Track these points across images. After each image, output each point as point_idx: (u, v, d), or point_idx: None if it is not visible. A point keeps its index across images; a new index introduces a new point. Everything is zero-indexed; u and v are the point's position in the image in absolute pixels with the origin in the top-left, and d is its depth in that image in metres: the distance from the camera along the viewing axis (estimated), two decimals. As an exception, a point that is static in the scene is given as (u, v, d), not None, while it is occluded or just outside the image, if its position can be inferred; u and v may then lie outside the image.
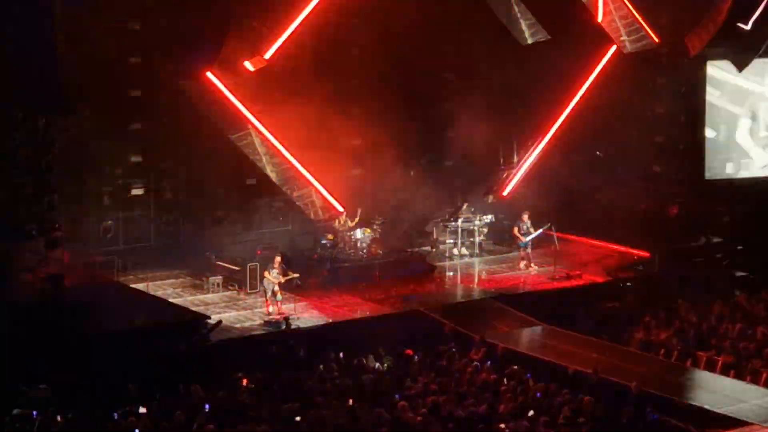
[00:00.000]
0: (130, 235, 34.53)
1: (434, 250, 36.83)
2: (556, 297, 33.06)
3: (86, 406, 23.69)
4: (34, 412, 23.18)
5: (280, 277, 30.93)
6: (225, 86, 32.67)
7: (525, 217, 35.84)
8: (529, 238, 35.55)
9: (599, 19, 36.72)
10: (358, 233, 34.68)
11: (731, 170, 38.80)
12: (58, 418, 23.22)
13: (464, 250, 36.92)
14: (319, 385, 25.32)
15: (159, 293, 32.35)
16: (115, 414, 23.25)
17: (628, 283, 33.68)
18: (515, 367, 26.40)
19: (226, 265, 33.49)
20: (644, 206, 38.25)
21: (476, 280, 35.13)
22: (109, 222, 34.09)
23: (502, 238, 37.86)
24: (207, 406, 23.64)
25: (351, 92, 35.63)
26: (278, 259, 31.27)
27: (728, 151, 38.71)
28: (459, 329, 29.69)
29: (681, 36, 36.87)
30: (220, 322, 29.39)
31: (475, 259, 36.55)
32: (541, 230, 35.66)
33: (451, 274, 35.64)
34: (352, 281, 33.55)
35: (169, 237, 35.25)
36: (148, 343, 27.26)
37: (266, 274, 31.06)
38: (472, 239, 37.04)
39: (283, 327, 29.71)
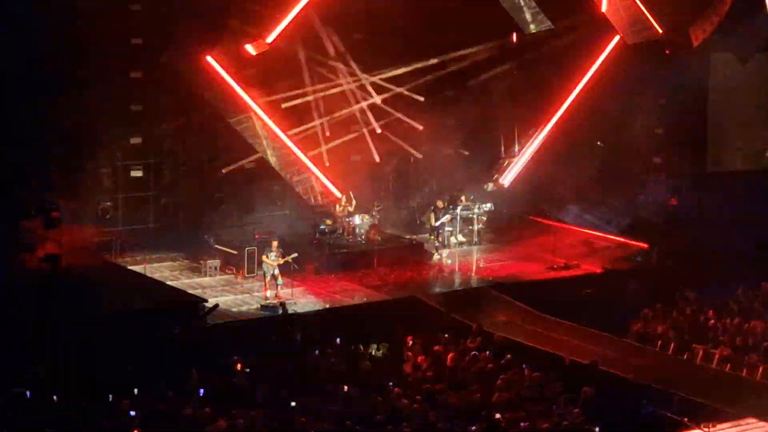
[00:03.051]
0: (129, 216, 34.50)
1: (432, 238, 36.74)
2: (553, 287, 33.00)
3: (82, 387, 23.65)
4: (28, 392, 23.17)
5: (279, 259, 30.88)
6: (225, 70, 32.57)
7: (440, 204, 35.93)
8: (437, 223, 35.73)
9: (603, 8, 36.58)
10: (357, 219, 34.64)
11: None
12: (54, 398, 23.20)
13: (462, 238, 36.86)
14: (314, 370, 25.28)
15: (156, 275, 32.33)
16: (110, 396, 23.20)
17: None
18: (510, 356, 26.35)
19: (224, 248, 33.45)
20: (644, 196, 38.24)
21: (474, 268, 35.07)
22: (108, 203, 34.02)
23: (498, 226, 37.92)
24: (201, 391, 23.61)
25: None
26: (275, 243, 31.23)
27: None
28: (456, 317, 29.65)
29: (685, 27, 36.75)
30: (217, 305, 29.35)
31: (474, 248, 36.48)
32: (447, 217, 35.84)
33: (449, 262, 35.56)
34: (350, 267, 33.49)
35: (167, 219, 35.22)
36: (144, 326, 27.20)
37: (264, 258, 31.02)
38: (470, 227, 36.97)
39: (280, 312, 29.66)
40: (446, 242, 36.23)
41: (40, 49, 30.34)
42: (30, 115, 31.00)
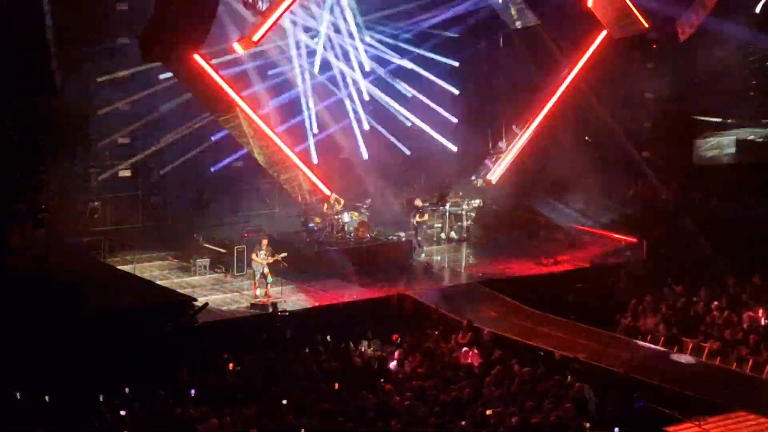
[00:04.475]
0: (117, 216, 34.45)
1: (419, 237, 36.67)
2: (542, 282, 33.02)
3: (72, 386, 23.62)
4: (18, 393, 23.15)
5: (268, 257, 30.86)
6: (212, 68, 32.53)
7: (418, 202, 35.93)
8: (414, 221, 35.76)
9: (589, 4, 36.61)
10: (346, 217, 34.63)
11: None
12: (46, 398, 23.17)
13: (453, 234, 36.88)
14: (305, 368, 25.28)
15: (146, 275, 32.28)
16: (101, 395, 23.18)
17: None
18: (499, 351, 26.36)
19: (213, 247, 33.44)
20: (633, 191, 38.26)
21: (463, 264, 35.08)
22: (96, 203, 33.97)
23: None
24: (193, 391, 23.58)
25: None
26: (265, 241, 31.20)
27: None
28: (446, 314, 29.67)
29: (671, 21, 36.80)
30: (206, 304, 29.33)
31: (463, 244, 36.50)
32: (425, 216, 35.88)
33: (439, 258, 35.57)
34: (340, 264, 33.47)
35: (156, 219, 35.18)
36: (134, 325, 27.17)
37: (254, 256, 31.00)
38: (460, 224, 37.00)
39: (270, 310, 29.65)
40: (436, 239, 36.31)
41: (27, 49, 30.25)
42: (17, 116, 30.92)
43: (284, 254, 31.20)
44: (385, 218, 36.74)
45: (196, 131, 34.72)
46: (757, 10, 37.09)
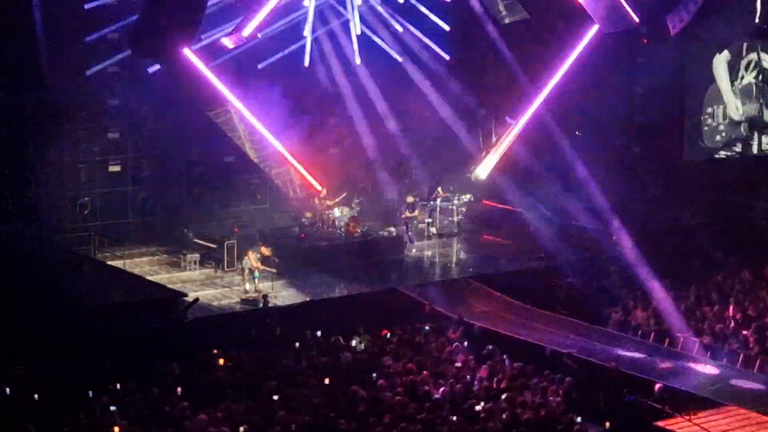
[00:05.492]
0: (108, 211, 34.37)
1: (410, 233, 36.66)
2: (533, 277, 33.01)
3: (62, 383, 23.57)
4: (7, 389, 23.11)
5: (259, 263, 30.85)
6: (202, 63, 32.48)
7: (410, 198, 35.91)
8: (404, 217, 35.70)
9: (580, -2, 36.60)
10: (336, 212, 34.62)
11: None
12: (36, 396, 23.11)
13: (444, 230, 36.84)
14: (296, 363, 25.26)
15: (136, 270, 32.25)
16: (90, 391, 23.13)
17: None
18: (491, 346, 26.36)
19: (203, 242, 33.40)
20: (624, 186, 38.28)
21: (454, 259, 35.08)
22: (86, 198, 33.90)
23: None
24: (179, 389, 23.51)
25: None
26: (267, 251, 31.14)
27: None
28: (437, 308, 29.66)
29: (661, 15, 36.76)
30: (197, 299, 29.27)
31: (453, 239, 36.48)
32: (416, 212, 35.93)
33: (429, 253, 35.56)
34: (330, 260, 33.46)
35: (146, 214, 35.12)
36: (124, 321, 27.12)
37: (250, 253, 30.93)
38: (450, 218, 37.00)
39: (261, 305, 29.63)
40: (427, 235, 36.32)
41: (15, 42, 30.18)
42: (5, 110, 30.86)
43: (276, 260, 31.24)
44: (376, 213, 36.77)
45: (187, 126, 34.64)
46: (756, 19, 37.13)
